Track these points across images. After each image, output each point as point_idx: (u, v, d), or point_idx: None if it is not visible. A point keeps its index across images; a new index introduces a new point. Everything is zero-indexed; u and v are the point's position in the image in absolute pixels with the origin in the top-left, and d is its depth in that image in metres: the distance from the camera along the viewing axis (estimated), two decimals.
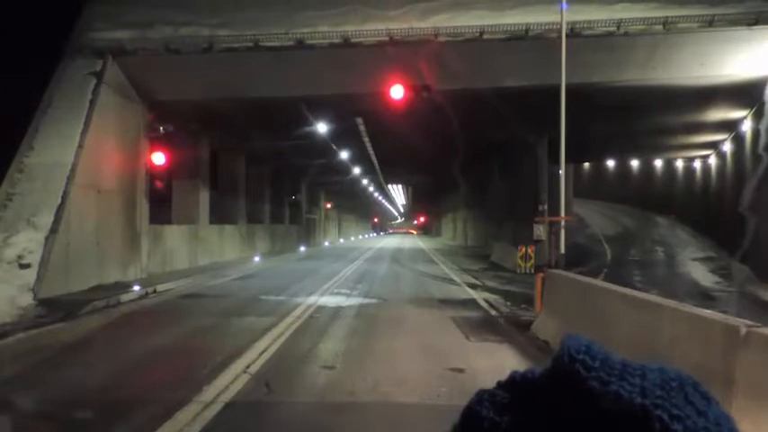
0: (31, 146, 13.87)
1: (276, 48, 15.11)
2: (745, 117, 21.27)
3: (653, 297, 6.91)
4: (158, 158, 17.13)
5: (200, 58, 15.32)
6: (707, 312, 5.65)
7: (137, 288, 14.12)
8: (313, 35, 15.00)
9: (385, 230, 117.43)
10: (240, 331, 9.90)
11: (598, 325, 7.24)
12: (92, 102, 14.63)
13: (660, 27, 14.19)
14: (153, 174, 17.87)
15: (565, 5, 12.06)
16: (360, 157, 31.11)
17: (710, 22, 13.91)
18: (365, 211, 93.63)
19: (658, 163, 39.63)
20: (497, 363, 7.99)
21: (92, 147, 14.34)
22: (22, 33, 15.55)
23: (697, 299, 16.03)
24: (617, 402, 0.51)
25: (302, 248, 37.58)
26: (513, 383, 0.59)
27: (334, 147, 27.00)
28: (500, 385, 0.60)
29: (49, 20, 15.83)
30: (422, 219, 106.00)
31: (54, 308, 11.11)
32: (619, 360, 0.55)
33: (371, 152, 28.63)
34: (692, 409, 0.52)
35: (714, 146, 28.10)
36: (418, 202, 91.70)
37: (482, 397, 0.59)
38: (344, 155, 30.08)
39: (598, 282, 9.58)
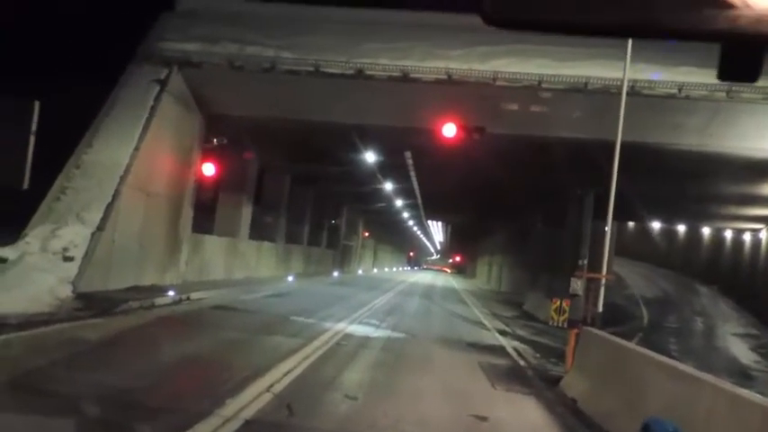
0: (91, 144, 14.32)
1: (336, 75, 15.38)
2: None
3: (691, 369, 6.68)
4: (209, 169, 17.48)
5: (262, 77, 15.68)
6: (747, 393, 5.44)
7: (171, 293, 14.32)
8: (373, 66, 15.23)
9: (419, 265, 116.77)
10: (267, 349, 9.93)
11: (632, 390, 7.03)
12: (153, 108, 15.08)
13: (723, 94, 13.99)
14: (202, 184, 18.23)
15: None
16: (404, 189, 31.20)
17: None
18: (402, 244, 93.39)
19: (706, 231, 38.69)
20: (522, 415, 7.82)
21: (147, 151, 14.74)
22: (101, 37, 16.23)
23: (735, 376, 15.45)
24: None
25: (335, 273, 37.66)
26: None
27: (380, 177, 27.17)
28: None
29: (128, 26, 16.51)
30: (458, 258, 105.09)
31: (90, 303, 11.34)
32: None
33: (416, 186, 28.69)
34: None
35: (766, 220, 27.33)
36: (456, 240, 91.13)
37: None
38: (389, 186, 30.21)
39: (634, 346, 9.31)
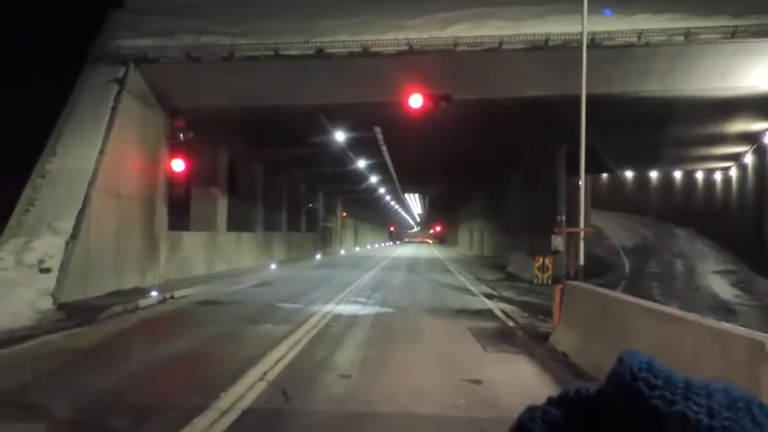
0: (54, 152, 14.04)
1: (296, 57, 15.20)
2: (767, 129, 21.01)
3: (675, 311, 6.80)
4: (178, 165, 17.25)
5: (221, 66, 15.46)
6: (730, 327, 5.55)
7: (154, 294, 14.20)
8: (333, 44, 15.07)
9: (401, 239, 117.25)
10: (257, 338, 9.91)
11: (618, 338, 7.15)
12: (113, 108, 14.79)
13: (681, 38, 14.09)
14: (172, 180, 18.01)
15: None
16: (377, 165, 31.16)
17: (733, 34, 13.78)
18: (381, 220, 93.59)
19: (678, 174, 39.29)
20: (515, 374, 7.92)
21: (113, 153, 14.49)
22: (49, 40, 15.81)
23: (718, 312, 15.80)
24: (684, 424, 0.49)
25: (318, 256, 37.63)
26: (567, 400, 0.57)
27: (352, 155, 27.08)
28: (552, 402, 0.58)
29: (76, 27, 16.09)
30: (438, 228, 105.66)
31: (73, 312, 11.20)
32: (681, 378, 0.53)
33: (389, 161, 28.65)
34: (760, 431, 0.50)
35: (735, 158, 27.81)
36: (435, 211, 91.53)
37: (534, 414, 0.57)
38: (362, 164, 30.14)
39: (619, 294, 9.46)
